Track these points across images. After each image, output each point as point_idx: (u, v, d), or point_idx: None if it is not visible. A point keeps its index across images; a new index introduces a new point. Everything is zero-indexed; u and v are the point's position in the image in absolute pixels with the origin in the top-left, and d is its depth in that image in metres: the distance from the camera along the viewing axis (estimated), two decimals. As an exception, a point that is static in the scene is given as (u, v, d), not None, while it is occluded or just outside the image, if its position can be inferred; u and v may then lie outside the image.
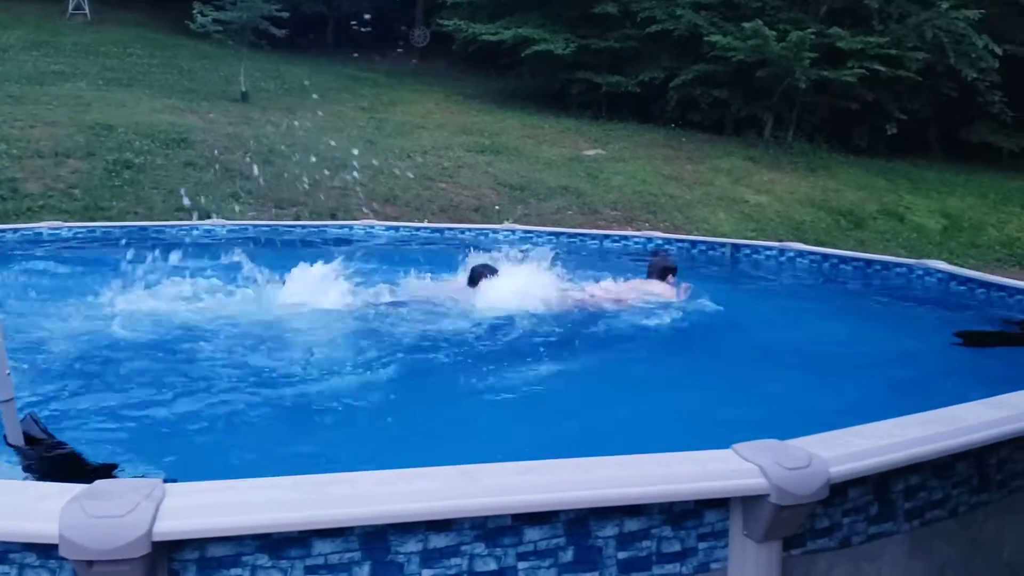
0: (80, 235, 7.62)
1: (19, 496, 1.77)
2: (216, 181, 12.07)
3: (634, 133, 18.86)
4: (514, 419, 3.74)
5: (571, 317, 5.42)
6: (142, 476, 2.28)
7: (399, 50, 25.56)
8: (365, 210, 11.28)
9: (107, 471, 2.63)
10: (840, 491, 2.13)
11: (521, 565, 1.91)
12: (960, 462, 2.39)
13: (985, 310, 5.98)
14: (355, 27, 20.20)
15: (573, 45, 19.43)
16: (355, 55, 23.57)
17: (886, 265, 7.18)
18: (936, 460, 2.30)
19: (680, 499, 1.99)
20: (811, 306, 6.68)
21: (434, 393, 4.10)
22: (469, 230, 9.01)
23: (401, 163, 14.23)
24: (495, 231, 8.61)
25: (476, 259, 5.79)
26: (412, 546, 1.84)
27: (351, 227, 8.62)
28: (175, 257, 5.53)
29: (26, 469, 2.60)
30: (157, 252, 5.46)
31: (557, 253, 5.95)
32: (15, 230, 7.55)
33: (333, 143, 12.86)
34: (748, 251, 8.10)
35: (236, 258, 5.52)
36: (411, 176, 13.53)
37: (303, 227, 8.82)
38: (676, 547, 2.03)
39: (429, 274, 6.03)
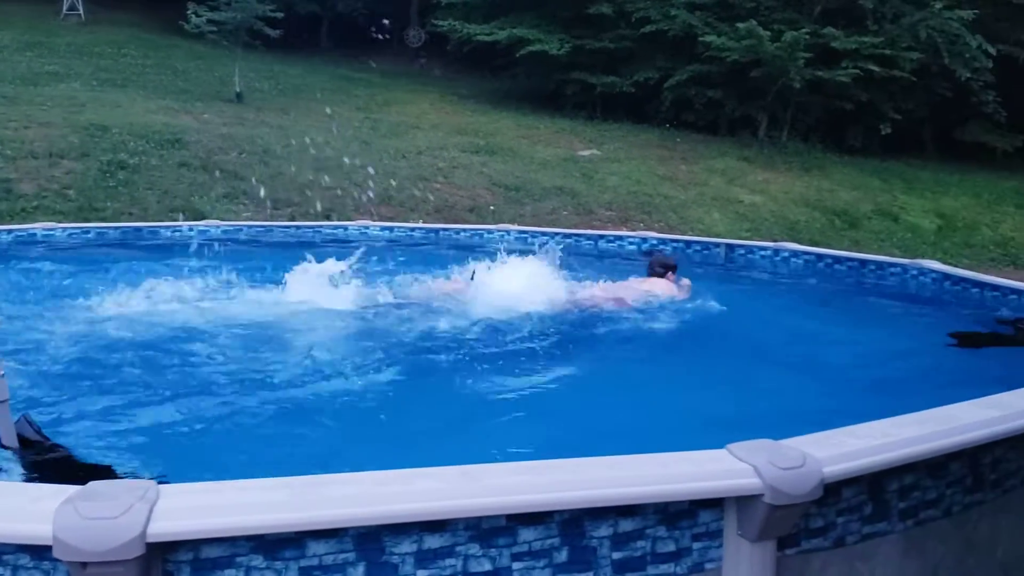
0: (74, 236, 7.60)
1: (13, 497, 1.76)
2: (210, 182, 12.06)
3: (629, 133, 18.88)
4: (513, 419, 3.73)
5: (570, 317, 5.41)
6: (135, 477, 2.28)
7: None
8: (360, 210, 11.27)
9: (102, 472, 2.62)
10: (834, 491, 2.13)
11: (516, 566, 1.91)
12: (954, 462, 2.40)
13: (979, 310, 5.99)
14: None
15: (568, 45, 19.44)
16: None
17: (880, 265, 7.19)
18: (930, 460, 2.30)
19: (675, 499, 1.99)
20: (805, 306, 6.69)
21: (433, 393, 4.09)
22: (464, 230, 9.01)
23: (396, 163, 14.23)
24: (490, 231, 8.61)
25: (478, 261, 5.77)
26: (407, 547, 1.83)
27: (346, 228, 8.61)
28: (171, 257, 5.52)
29: (22, 470, 2.59)
30: (153, 253, 5.45)
31: (561, 251, 5.92)
32: (9, 231, 7.52)
33: (328, 143, 12.86)
34: (743, 251, 8.11)
35: (234, 258, 5.51)
36: (406, 176, 13.53)
37: (298, 227, 8.82)
38: (671, 547, 2.03)
39: (427, 274, 6.02)
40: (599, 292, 5.83)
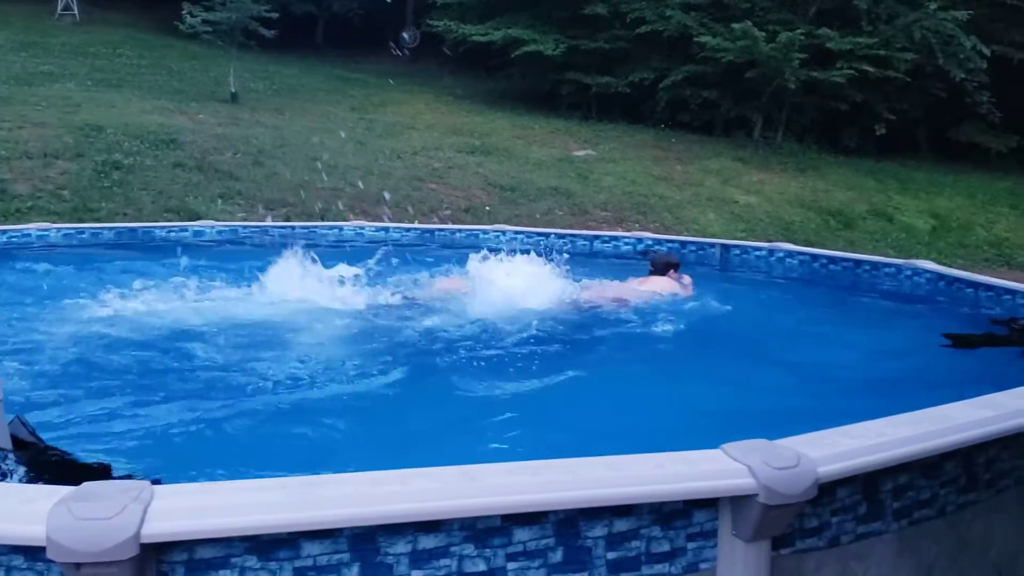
0: (69, 236, 7.58)
1: (6, 499, 1.75)
2: (205, 182, 12.04)
3: (624, 134, 18.88)
4: (513, 419, 3.73)
5: (570, 317, 5.42)
6: (130, 478, 2.27)
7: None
8: (355, 211, 11.26)
9: (96, 473, 2.62)
10: (829, 491, 2.14)
11: (510, 566, 1.91)
12: (948, 462, 2.40)
13: (973, 310, 6.00)
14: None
15: (563, 46, 19.44)
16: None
17: (875, 265, 7.20)
18: (924, 460, 2.31)
19: (670, 499, 2.00)
20: (800, 306, 6.70)
21: (432, 393, 4.09)
22: (459, 231, 9.00)
23: (391, 164, 14.22)
24: (485, 232, 8.61)
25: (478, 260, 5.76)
26: (401, 547, 1.83)
27: (341, 228, 8.60)
28: (166, 258, 5.51)
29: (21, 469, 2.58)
30: (148, 253, 5.44)
31: (564, 251, 5.91)
32: (3, 232, 7.50)
33: (323, 144, 12.85)
34: (738, 251, 8.12)
35: (229, 258, 5.51)
36: (401, 177, 13.53)
37: (293, 228, 8.80)
38: (665, 547, 2.03)
39: (426, 273, 6.02)
40: (601, 292, 5.82)
